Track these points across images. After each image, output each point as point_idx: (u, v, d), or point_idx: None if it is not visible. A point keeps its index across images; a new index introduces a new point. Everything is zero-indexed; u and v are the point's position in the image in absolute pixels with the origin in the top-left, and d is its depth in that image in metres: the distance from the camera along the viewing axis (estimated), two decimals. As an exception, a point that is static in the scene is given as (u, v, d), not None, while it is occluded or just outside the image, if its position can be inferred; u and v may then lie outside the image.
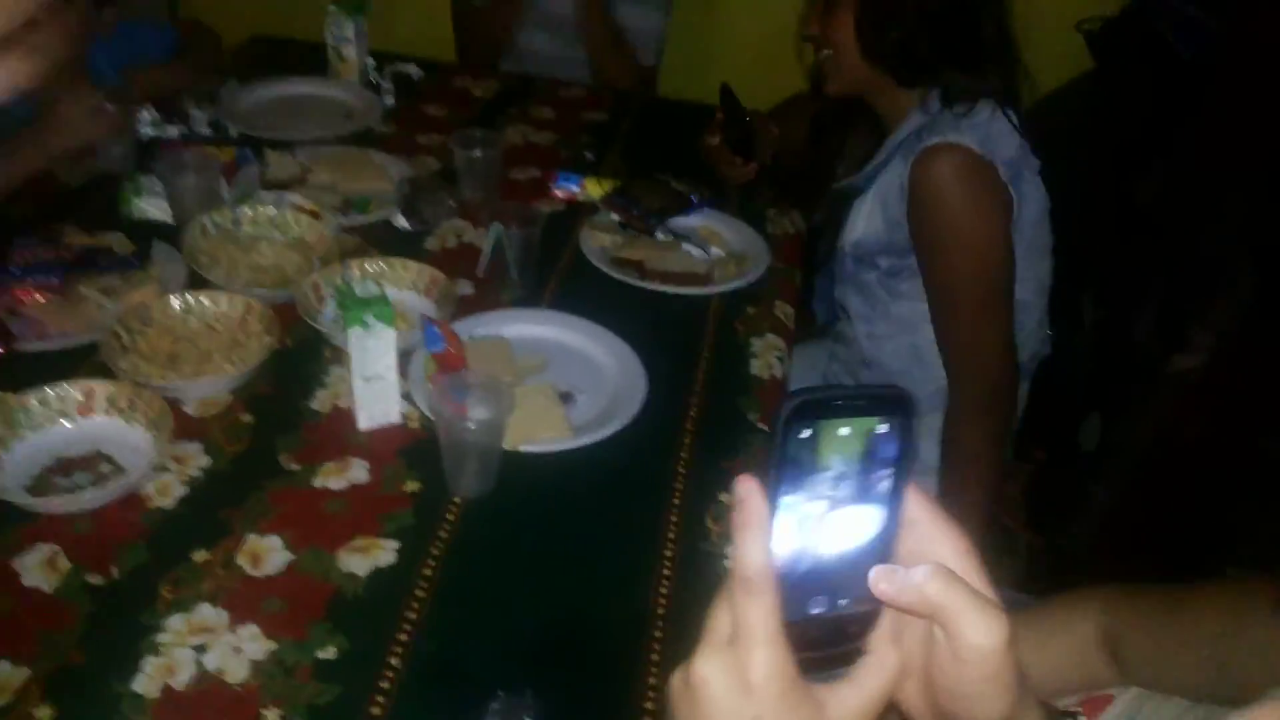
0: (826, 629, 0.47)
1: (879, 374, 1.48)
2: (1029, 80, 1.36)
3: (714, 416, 1.23)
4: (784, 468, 0.44)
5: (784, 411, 0.44)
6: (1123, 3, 2.21)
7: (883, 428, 0.45)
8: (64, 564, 0.95)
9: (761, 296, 1.47)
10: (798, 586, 0.46)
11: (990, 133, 1.28)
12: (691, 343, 1.36)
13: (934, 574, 0.43)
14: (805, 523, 0.46)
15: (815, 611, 0.47)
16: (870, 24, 1.32)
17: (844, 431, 0.45)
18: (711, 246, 1.54)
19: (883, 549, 0.47)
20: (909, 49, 1.31)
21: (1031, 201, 1.34)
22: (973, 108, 1.29)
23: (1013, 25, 1.35)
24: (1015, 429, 1.50)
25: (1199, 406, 1.14)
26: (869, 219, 1.42)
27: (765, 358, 1.35)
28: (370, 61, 1.96)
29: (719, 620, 0.46)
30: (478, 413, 1.05)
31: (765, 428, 1.21)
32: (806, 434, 0.44)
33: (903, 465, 0.46)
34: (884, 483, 0.46)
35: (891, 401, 0.45)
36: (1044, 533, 1.37)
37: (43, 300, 1.21)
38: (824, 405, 0.44)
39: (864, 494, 0.46)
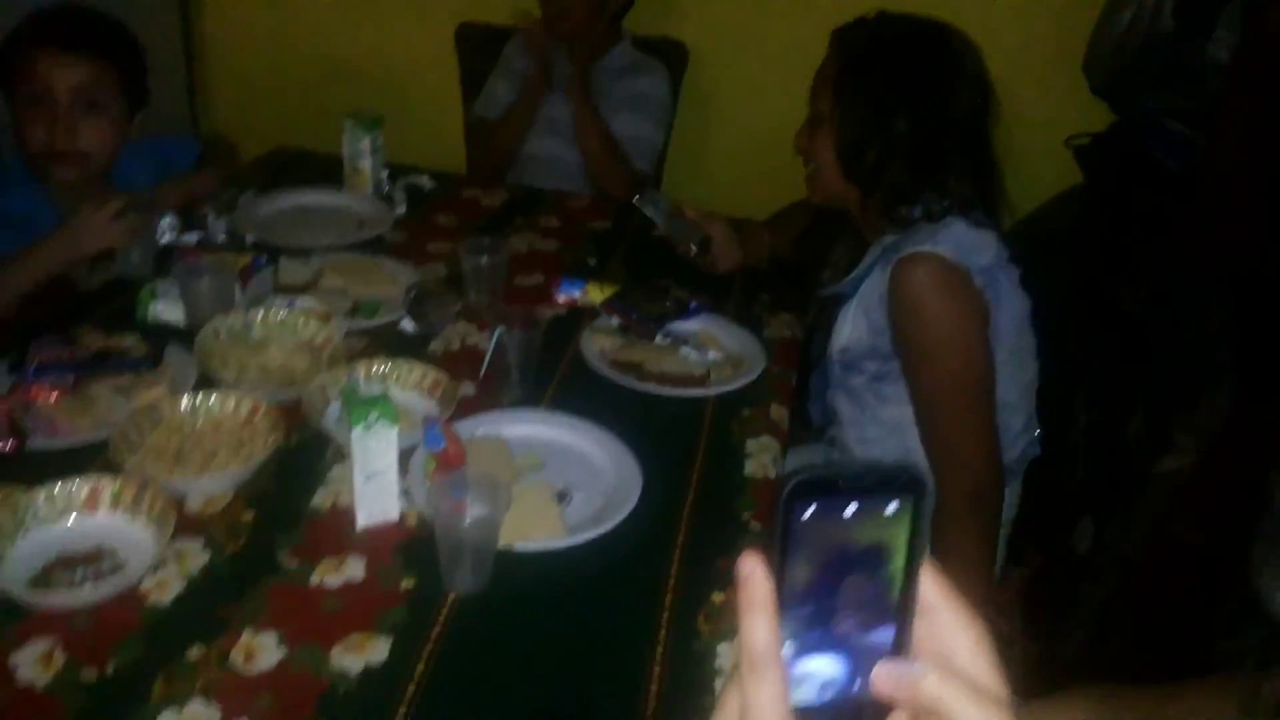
0: (839, 715, 0.45)
1: None
2: (1007, 196, 1.45)
3: (708, 516, 1.25)
4: (787, 546, 0.43)
5: (786, 488, 0.42)
6: (1111, 119, 2.30)
7: (892, 508, 0.44)
8: (59, 659, 0.96)
9: (757, 399, 1.49)
10: (807, 670, 0.45)
11: (965, 242, 1.34)
12: (687, 444, 1.38)
13: (929, 671, 0.43)
14: (813, 604, 0.44)
15: (827, 696, 0.45)
16: (848, 147, 1.42)
17: (850, 511, 0.43)
18: (709, 350, 1.57)
19: (898, 633, 0.45)
20: (884, 173, 1.40)
21: (1009, 306, 1.39)
22: (945, 219, 1.37)
23: (993, 144, 1.43)
24: (1009, 532, 1.51)
25: (1185, 508, 1.16)
26: (854, 325, 1.46)
27: (760, 459, 1.37)
28: (384, 173, 2.04)
29: (728, 704, 0.44)
30: (475, 510, 1.07)
31: (759, 527, 1.23)
32: (810, 512, 0.43)
33: (916, 547, 0.44)
34: (895, 565, 0.44)
35: (902, 481, 0.43)
36: (1040, 639, 1.36)
37: (56, 399, 1.25)
38: (828, 483, 0.43)
39: (874, 576, 0.44)
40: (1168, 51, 2.04)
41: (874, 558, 0.44)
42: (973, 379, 1.34)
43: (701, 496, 1.28)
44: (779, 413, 1.48)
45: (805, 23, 2.57)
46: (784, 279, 1.82)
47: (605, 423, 1.35)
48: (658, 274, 1.75)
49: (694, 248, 1.76)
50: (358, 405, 1.11)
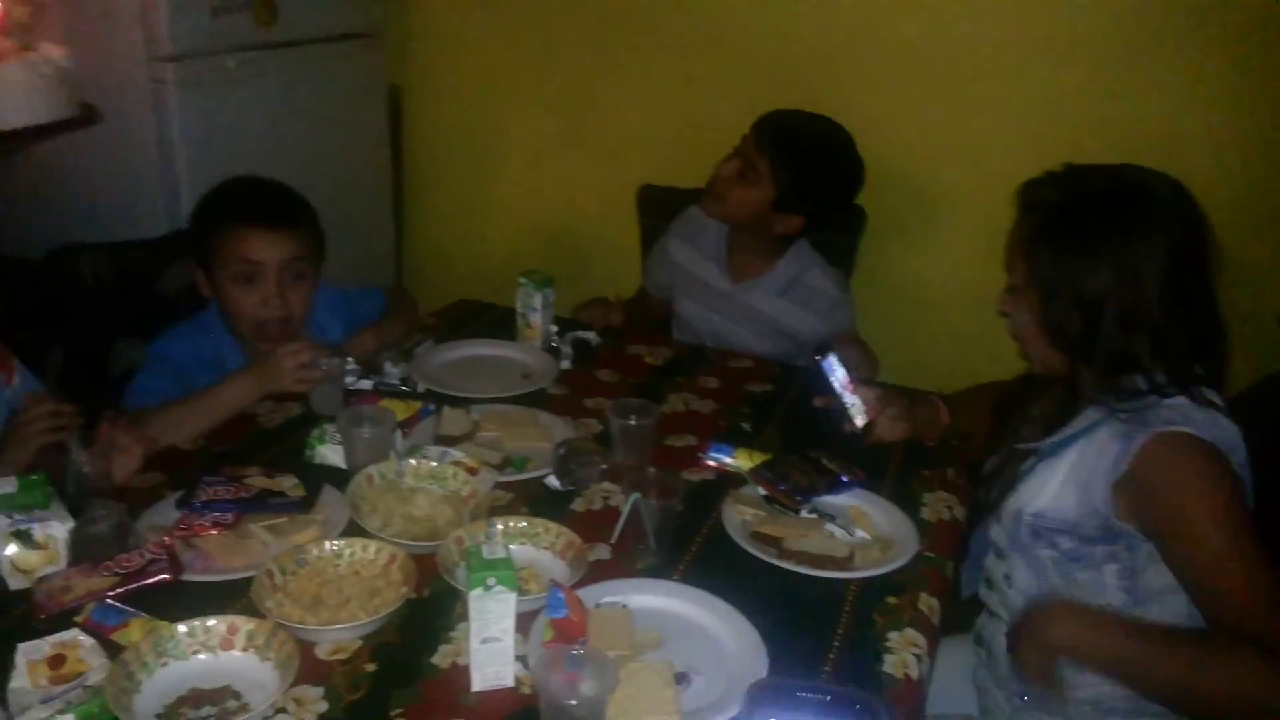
0: None
1: None
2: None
3: (835, 715, 1.16)
4: None
5: (747, 693, 0.46)
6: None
7: None
8: (172, 798, 0.99)
9: (905, 586, 1.40)
10: None
11: (1219, 425, 1.27)
12: (822, 630, 1.30)
13: None
14: None
15: None
16: (1048, 316, 1.36)
17: None
18: (857, 529, 1.50)
19: None
20: (1094, 341, 1.32)
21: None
22: (1173, 396, 1.29)
23: (1217, 308, 1.35)
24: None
25: None
26: (1059, 494, 1.37)
27: (902, 655, 1.27)
28: (553, 328, 2.12)
29: None
30: (586, 688, 1.04)
31: (891, 734, 1.13)
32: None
33: None
34: None
35: (858, 707, 0.47)
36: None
37: (214, 534, 1.33)
38: (786, 694, 0.46)
39: None
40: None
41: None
42: (1234, 526, 1.24)
43: (831, 692, 1.20)
44: (929, 604, 1.38)
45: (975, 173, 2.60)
46: (958, 458, 1.73)
47: (738, 598, 1.30)
48: (813, 443, 1.70)
49: (859, 426, 1.70)
50: (479, 567, 1.11)
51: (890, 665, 1.26)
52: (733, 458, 1.67)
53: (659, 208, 2.66)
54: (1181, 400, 1.29)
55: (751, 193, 2.15)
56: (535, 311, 2.08)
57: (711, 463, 1.68)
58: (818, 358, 1.69)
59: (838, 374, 1.69)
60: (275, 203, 1.82)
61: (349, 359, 1.83)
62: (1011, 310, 1.43)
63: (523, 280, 2.08)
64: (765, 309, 2.27)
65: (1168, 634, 1.28)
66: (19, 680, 1.08)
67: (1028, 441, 1.46)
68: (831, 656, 1.26)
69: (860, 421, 1.70)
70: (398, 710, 1.12)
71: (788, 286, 2.25)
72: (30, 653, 1.10)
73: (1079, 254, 1.31)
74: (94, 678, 1.08)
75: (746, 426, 1.85)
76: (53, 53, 1.72)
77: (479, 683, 1.15)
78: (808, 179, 2.12)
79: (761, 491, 1.58)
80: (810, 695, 0.46)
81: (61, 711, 1.03)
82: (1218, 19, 2.34)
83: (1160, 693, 1.29)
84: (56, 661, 1.10)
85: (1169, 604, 1.35)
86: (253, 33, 2.57)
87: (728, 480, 1.64)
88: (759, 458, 1.65)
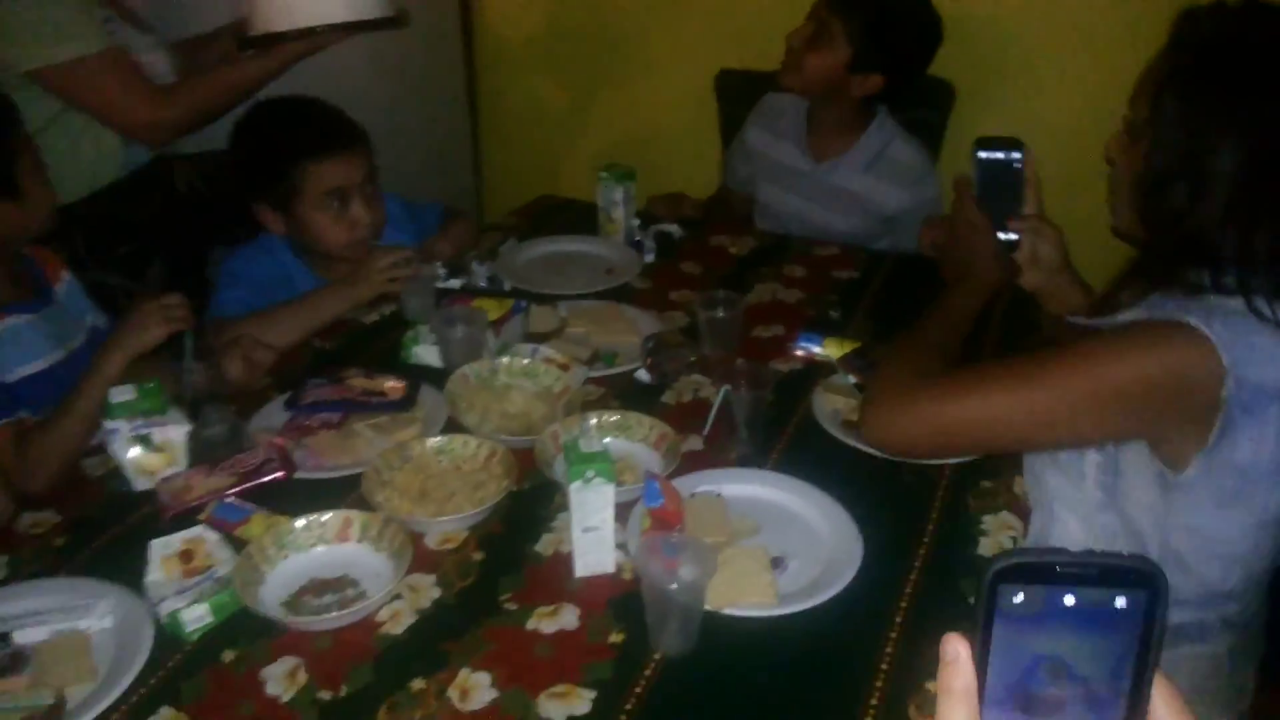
0: None
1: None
2: None
3: (931, 598, 1.17)
4: (991, 635, 0.41)
5: (991, 569, 0.40)
6: None
7: (1121, 602, 0.40)
8: (302, 677, 1.06)
9: (1000, 470, 1.39)
10: None
11: (1256, 344, 1.04)
12: (917, 515, 1.31)
13: None
14: (1017, 701, 0.41)
15: None
16: (1152, 173, 1.12)
17: (1068, 601, 0.40)
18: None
19: None
20: (1186, 218, 1.09)
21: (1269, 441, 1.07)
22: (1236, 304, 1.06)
23: None
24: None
25: None
26: None
27: (997, 537, 1.28)
28: (635, 222, 2.11)
29: None
30: (685, 572, 1.07)
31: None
32: (1019, 599, 0.40)
33: (1148, 651, 0.40)
34: (1121, 666, 0.40)
35: (1136, 574, 0.39)
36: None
37: (322, 434, 1.39)
38: (1043, 569, 0.40)
39: (1094, 676, 0.41)
40: None
41: (1095, 654, 0.40)
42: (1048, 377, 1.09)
43: (926, 575, 1.21)
44: (1023, 486, 1.38)
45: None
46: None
47: (831, 486, 1.31)
48: (902, 328, 1.68)
49: (1007, 240, 1.41)
50: (578, 460, 1.14)
51: (985, 548, 1.26)
52: (822, 346, 1.66)
53: (738, 94, 2.60)
54: (1228, 302, 1.06)
55: (826, 56, 2.10)
56: (617, 205, 2.07)
57: (800, 352, 1.68)
58: (979, 151, 1.40)
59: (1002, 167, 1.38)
60: (341, 126, 1.83)
61: (437, 262, 1.85)
62: (1117, 156, 1.21)
63: (603, 175, 2.07)
64: (850, 186, 2.24)
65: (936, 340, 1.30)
66: (154, 574, 1.15)
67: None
68: (926, 540, 1.27)
69: (1008, 236, 1.41)
70: (506, 595, 1.17)
71: (872, 161, 2.22)
72: (162, 548, 1.17)
73: (1209, 112, 1.07)
74: (222, 570, 1.15)
75: (835, 314, 1.84)
76: None
77: (582, 569, 1.19)
78: (882, 31, 2.08)
79: (852, 379, 1.57)
80: (1070, 568, 0.39)
81: (197, 600, 1.10)
82: None
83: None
84: (186, 556, 1.17)
85: (1145, 516, 1.19)
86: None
87: (817, 369, 1.63)
88: (848, 345, 1.64)
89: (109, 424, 1.31)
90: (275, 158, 1.78)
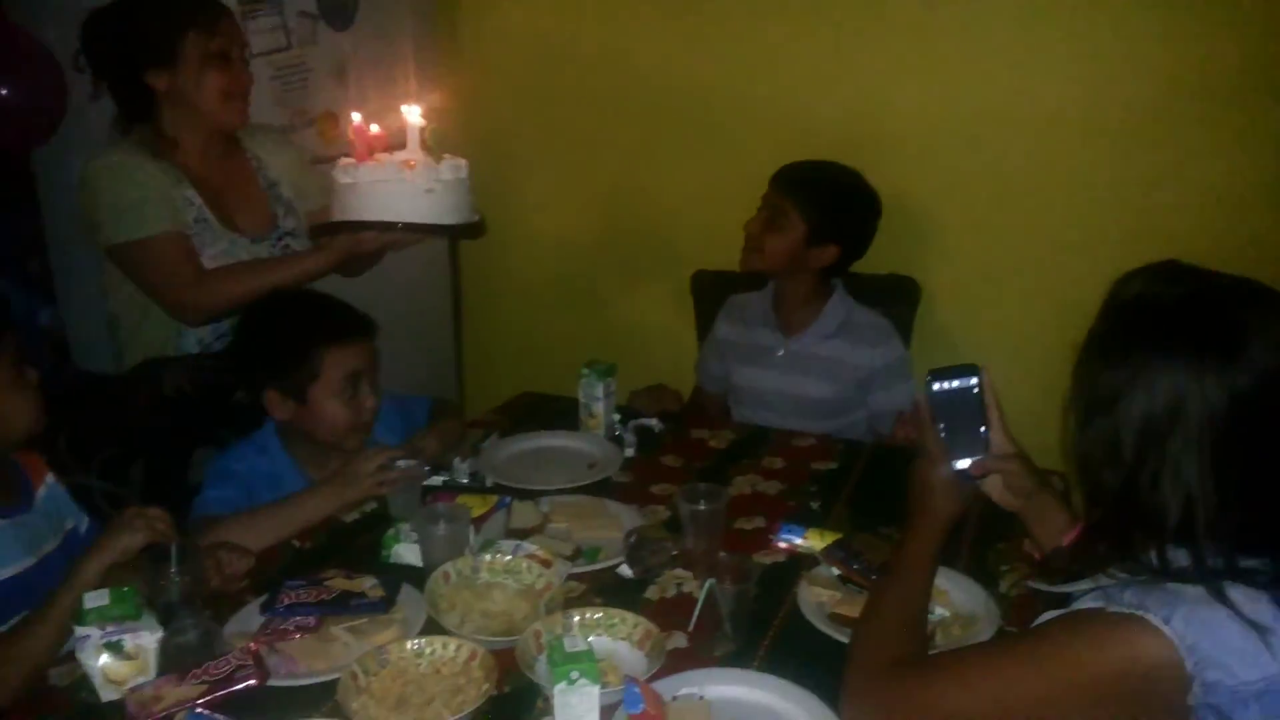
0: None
1: None
2: None
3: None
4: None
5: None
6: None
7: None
8: None
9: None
10: None
11: (1227, 639, 0.96)
12: (909, 713, 1.28)
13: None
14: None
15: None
16: (1077, 442, 1.11)
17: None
18: (936, 605, 1.48)
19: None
20: (1109, 490, 1.07)
21: None
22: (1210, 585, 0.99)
23: None
24: None
25: None
26: None
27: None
28: (616, 416, 2.14)
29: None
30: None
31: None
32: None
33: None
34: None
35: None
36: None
37: (298, 638, 1.35)
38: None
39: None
40: None
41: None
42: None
43: (921, 777, 1.17)
44: None
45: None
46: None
47: (819, 683, 1.28)
48: (884, 519, 1.69)
49: (968, 468, 1.37)
50: (562, 660, 1.12)
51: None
52: (804, 538, 1.66)
53: (713, 292, 2.70)
54: (1192, 589, 0.99)
55: (785, 235, 2.30)
56: (598, 401, 2.11)
57: (783, 544, 1.67)
58: (933, 380, 1.38)
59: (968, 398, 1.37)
60: (354, 315, 1.89)
61: (423, 460, 1.86)
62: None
63: (585, 371, 2.12)
64: (822, 352, 2.37)
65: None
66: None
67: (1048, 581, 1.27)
68: (920, 740, 1.23)
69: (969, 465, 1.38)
70: (486, 810, 1.12)
71: (839, 328, 2.37)
72: (128, 764, 1.12)
73: (1119, 369, 1.05)
74: (189, 787, 1.10)
75: (815, 506, 1.85)
76: (460, 162, 1.88)
77: (565, 778, 1.15)
78: (831, 205, 2.30)
79: (836, 571, 1.56)
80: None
81: (160, 822, 1.05)
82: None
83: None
84: (153, 772, 1.12)
85: None
86: (319, 147, 2.68)
87: (800, 561, 1.63)
88: (830, 537, 1.64)
89: (80, 630, 1.28)
90: (296, 343, 1.83)
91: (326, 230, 1.97)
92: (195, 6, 1.98)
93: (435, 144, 1.86)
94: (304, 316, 1.88)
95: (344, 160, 1.86)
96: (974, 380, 1.36)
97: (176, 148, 2.04)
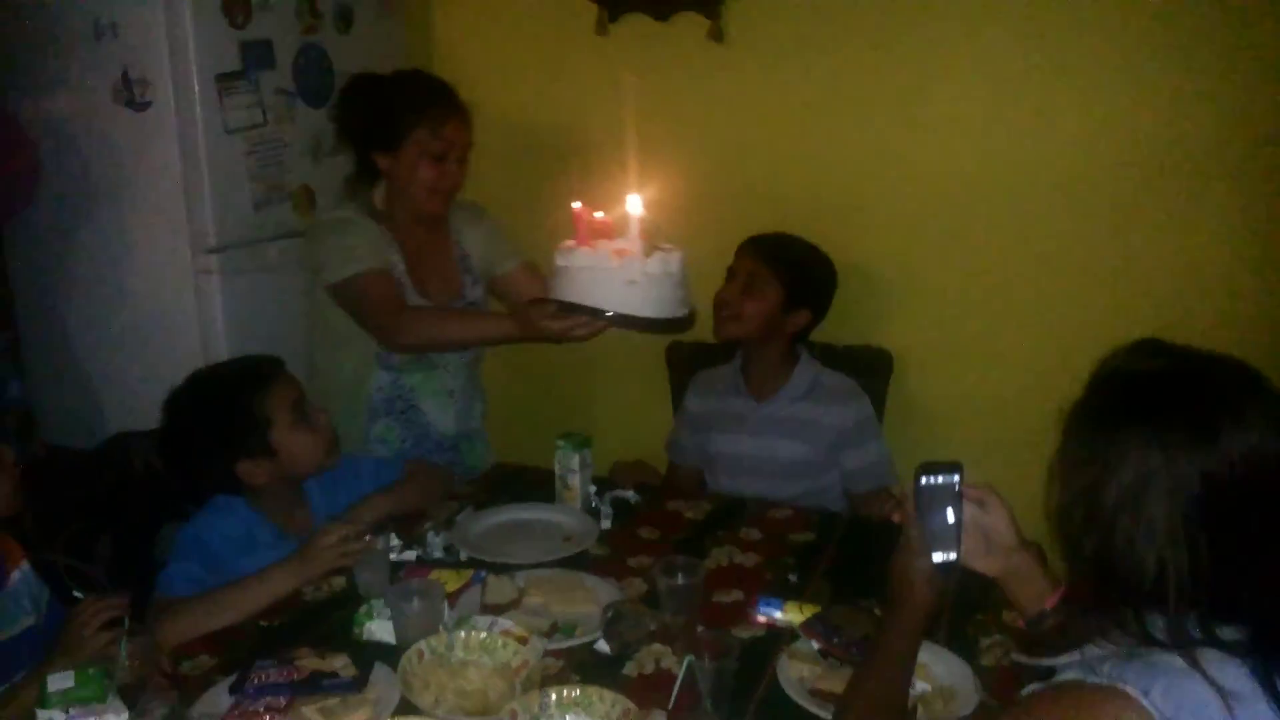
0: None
1: None
2: None
3: None
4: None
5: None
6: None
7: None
8: None
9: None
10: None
11: (1177, 686, 0.96)
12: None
13: None
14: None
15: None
16: (1061, 510, 1.11)
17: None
18: (917, 680, 1.46)
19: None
20: (1087, 559, 1.07)
21: None
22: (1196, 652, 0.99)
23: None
24: None
25: None
26: None
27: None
28: (592, 488, 2.13)
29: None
30: None
31: None
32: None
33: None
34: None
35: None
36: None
37: (267, 719, 1.32)
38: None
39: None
40: None
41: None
42: None
43: None
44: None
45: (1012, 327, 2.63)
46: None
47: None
48: (863, 592, 1.68)
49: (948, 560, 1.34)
50: (539, 741, 1.10)
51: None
52: (783, 611, 1.65)
53: (688, 365, 2.72)
54: (1169, 659, 0.99)
55: (763, 300, 2.35)
56: (574, 473, 2.10)
57: (762, 618, 1.66)
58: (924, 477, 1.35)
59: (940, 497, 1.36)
60: (266, 358, 1.95)
61: (390, 534, 1.84)
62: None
63: (560, 442, 2.11)
64: (794, 414, 2.40)
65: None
66: None
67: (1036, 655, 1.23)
68: (904, 818, 1.21)
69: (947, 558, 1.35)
70: None
71: (809, 389, 2.41)
72: None
73: (1096, 438, 1.07)
74: None
75: (793, 578, 1.84)
76: (673, 256, 1.86)
77: None
78: (802, 271, 2.39)
79: (815, 645, 1.55)
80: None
81: None
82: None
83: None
84: None
85: None
86: (293, 221, 2.70)
87: (780, 635, 1.61)
88: (809, 610, 1.63)
89: (42, 714, 1.24)
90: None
91: (540, 304, 1.95)
92: (430, 103, 2.20)
93: (654, 235, 1.85)
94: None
95: (566, 243, 1.88)
96: (956, 477, 1.35)
97: (390, 216, 2.27)
